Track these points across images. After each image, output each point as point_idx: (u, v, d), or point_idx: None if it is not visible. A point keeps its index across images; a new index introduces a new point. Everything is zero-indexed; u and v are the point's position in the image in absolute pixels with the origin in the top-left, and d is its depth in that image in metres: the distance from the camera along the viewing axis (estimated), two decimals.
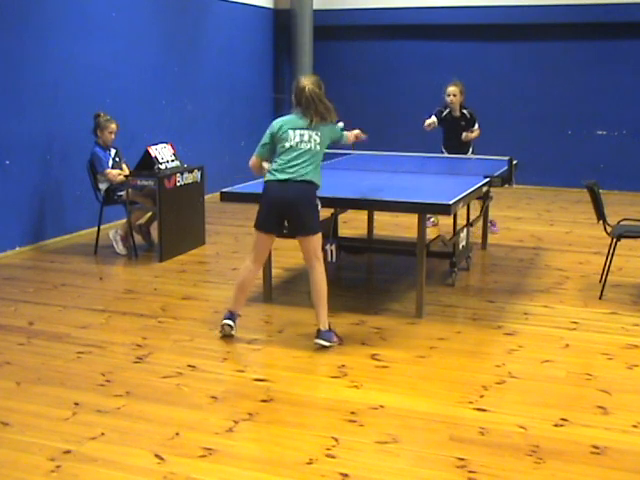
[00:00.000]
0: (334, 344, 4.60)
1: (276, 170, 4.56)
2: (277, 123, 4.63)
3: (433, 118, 7.60)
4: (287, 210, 4.56)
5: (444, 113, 7.65)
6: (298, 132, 4.54)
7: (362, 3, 11.40)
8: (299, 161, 4.52)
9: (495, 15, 10.80)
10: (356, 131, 5.27)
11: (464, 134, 7.59)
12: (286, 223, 4.68)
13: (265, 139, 4.67)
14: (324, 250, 5.41)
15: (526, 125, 11.11)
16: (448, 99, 7.62)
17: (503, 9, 10.72)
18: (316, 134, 4.55)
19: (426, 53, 11.42)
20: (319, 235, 4.64)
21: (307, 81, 4.58)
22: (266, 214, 4.62)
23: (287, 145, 4.54)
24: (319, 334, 4.59)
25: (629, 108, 10.65)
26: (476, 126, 7.66)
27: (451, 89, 7.63)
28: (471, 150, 7.73)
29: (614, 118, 10.78)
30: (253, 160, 4.74)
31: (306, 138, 4.54)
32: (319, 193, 4.66)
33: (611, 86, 10.69)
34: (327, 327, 4.61)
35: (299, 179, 4.50)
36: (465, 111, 7.65)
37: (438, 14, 11.05)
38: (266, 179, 4.63)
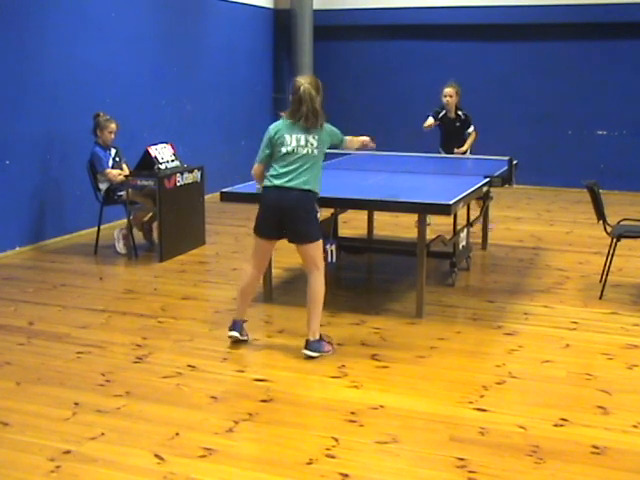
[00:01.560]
0: (326, 354, 4.47)
1: (272, 176, 4.43)
2: (273, 128, 4.48)
3: (430, 119, 7.64)
4: (284, 217, 4.43)
5: (440, 114, 7.71)
6: (295, 136, 4.39)
7: (362, 3, 11.40)
8: (296, 166, 4.38)
9: (495, 15, 10.80)
10: (364, 138, 5.03)
11: (461, 149, 7.65)
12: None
13: (264, 145, 4.50)
14: (324, 250, 5.42)
15: (526, 125, 11.10)
16: (444, 100, 7.67)
17: (503, 9, 10.72)
18: (313, 137, 4.40)
19: (426, 53, 11.42)
20: (318, 243, 4.50)
21: (304, 80, 4.43)
22: (264, 220, 4.51)
23: (284, 150, 4.39)
24: (307, 344, 4.45)
25: (629, 108, 10.65)
26: (471, 128, 7.69)
27: (447, 90, 7.67)
28: (468, 153, 7.74)
29: (614, 118, 10.78)
30: (255, 168, 4.58)
31: (303, 142, 4.39)
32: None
33: (611, 86, 10.69)
34: (317, 337, 4.47)
35: (296, 187, 4.36)
36: (460, 112, 7.69)
37: (438, 14, 11.05)
38: (264, 185, 4.51)
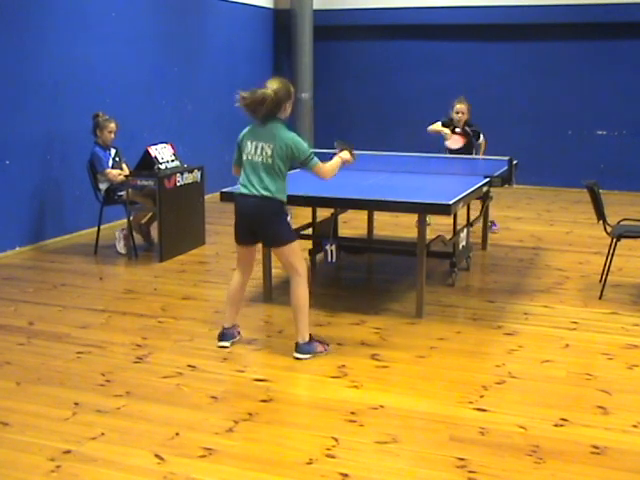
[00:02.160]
0: (319, 354, 4.46)
1: (240, 183, 4.44)
2: (242, 132, 4.48)
3: (439, 125, 7.63)
4: (252, 223, 4.43)
5: (449, 127, 7.67)
6: (254, 143, 4.34)
7: (362, 3, 11.40)
8: (255, 174, 4.33)
9: (495, 15, 10.81)
10: (344, 155, 4.64)
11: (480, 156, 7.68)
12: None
13: (235, 148, 4.52)
14: (324, 250, 5.42)
15: (526, 125, 11.11)
16: (457, 116, 7.64)
17: (503, 9, 10.72)
18: (268, 146, 4.29)
19: (426, 53, 11.42)
20: (291, 246, 4.41)
21: (271, 83, 4.32)
22: (237, 227, 4.52)
23: (244, 157, 4.39)
24: (297, 347, 4.45)
25: (629, 108, 10.65)
26: (481, 138, 7.69)
27: (460, 107, 7.64)
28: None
29: (614, 118, 10.78)
30: (233, 169, 4.60)
31: (259, 151, 4.31)
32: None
33: (611, 86, 10.69)
34: (306, 339, 4.46)
35: (258, 194, 4.31)
36: (468, 129, 7.65)
37: (438, 14, 11.05)
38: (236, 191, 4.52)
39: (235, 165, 4.57)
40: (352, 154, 4.69)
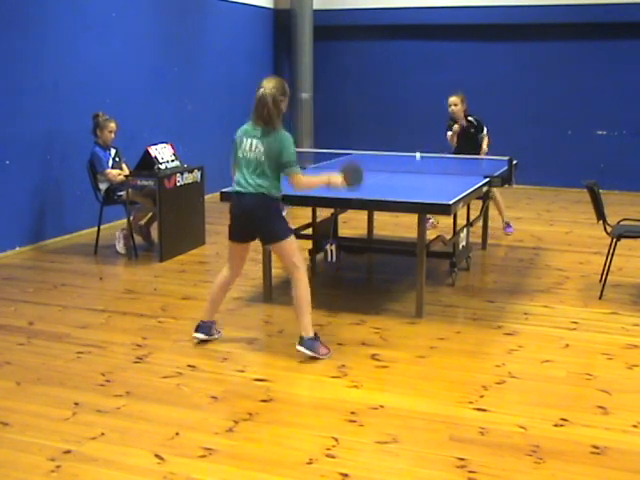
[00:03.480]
0: (321, 357, 4.40)
1: (235, 181, 4.45)
2: (238, 130, 4.48)
3: (455, 126, 7.66)
4: (248, 221, 4.43)
5: (453, 126, 7.69)
6: (249, 140, 4.35)
7: (362, 3, 11.40)
8: (248, 171, 4.34)
9: (495, 15, 10.81)
10: (334, 178, 4.48)
11: (482, 152, 7.68)
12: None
13: (233, 147, 4.50)
14: (324, 249, 5.42)
15: (526, 125, 11.11)
16: (451, 109, 7.65)
17: (503, 9, 10.73)
18: (262, 143, 4.30)
19: (426, 53, 11.43)
20: (289, 240, 4.42)
21: (267, 83, 4.32)
22: (232, 223, 4.51)
23: (239, 154, 4.40)
24: (301, 340, 4.42)
25: (629, 108, 10.65)
26: (484, 131, 7.69)
27: (451, 99, 7.68)
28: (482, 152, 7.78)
29: (614, 118, 10.78)
30: (232, 169, 4.56)
31: (253, 147, 4.33)
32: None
33: (611, 86, 10.70)
34: (310, 334, 4.43)
35: (252, 191, 4.33)
36: (471, 118, 7.68)
37: (438, 14, 11.05)
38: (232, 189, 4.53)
39: (234, 165, 4.55)
40: (347, 181, 4.49)
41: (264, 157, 4.32)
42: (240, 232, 4.51)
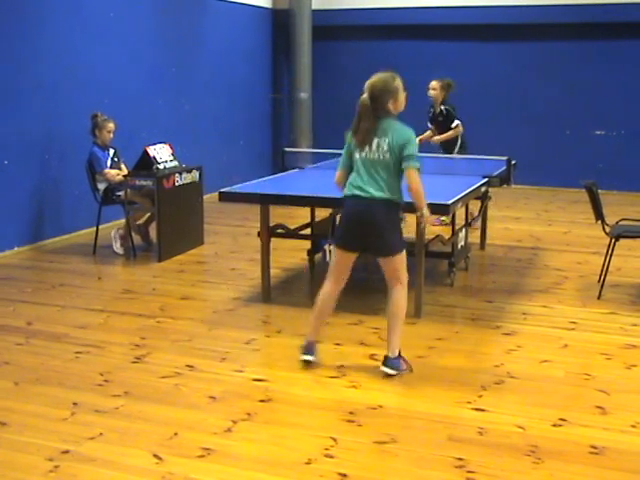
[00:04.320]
0: (402, 372, 4.18)
1: (350, 183, 4.12)
2: (350, 132, 4.15)
3: (427, 132, 7.84)
4: (363, 229, 4.09)
5: (429, 111, 7.79)
6: (370, 140, 4.03)
7: (360, 3, 11.40)
8: (369, 174, 4.03)
9: (494, 15, 10.81)
10: (427, 211, 4.18)
11: (434, 137, 7.83)
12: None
13: (344, 149, 4.19)
14: (322, 250, 5.41)
15: (525, 125, 11.11)
16: (428, 93, 7.72)
17: (502, 9, 10.73)
18: (384, 140, 4.00)
19: (424, 53, 11.41)
20: (400, 256, 4.13)
21: (370, 81, 4.15)
22: (344, 231, 4.19)
23: (356, 156, 4.08)
24: (386, 361, 4.17)
25: (627, 108, 10.66)
26: (455, 123, 7.72)
27: (431, 83, 7.75)
28: (457, 147, 7.79)
29: (612, 118, 10.79)
30: (337, 174, 4.24)
31: (374, 147, 4.02)
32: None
33: (610, 86, 10.70)
34: (396, 354, 4.17)
35: (369, 196, 4.02)
36: (443, 107, 7.72)
37: (436, 14, 11.05)
38: (344, 192, 4.18)
39: (341, 169, 4.22)
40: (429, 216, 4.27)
41: (388, 155, 4.02)
42: (352, 240, 4.17)
